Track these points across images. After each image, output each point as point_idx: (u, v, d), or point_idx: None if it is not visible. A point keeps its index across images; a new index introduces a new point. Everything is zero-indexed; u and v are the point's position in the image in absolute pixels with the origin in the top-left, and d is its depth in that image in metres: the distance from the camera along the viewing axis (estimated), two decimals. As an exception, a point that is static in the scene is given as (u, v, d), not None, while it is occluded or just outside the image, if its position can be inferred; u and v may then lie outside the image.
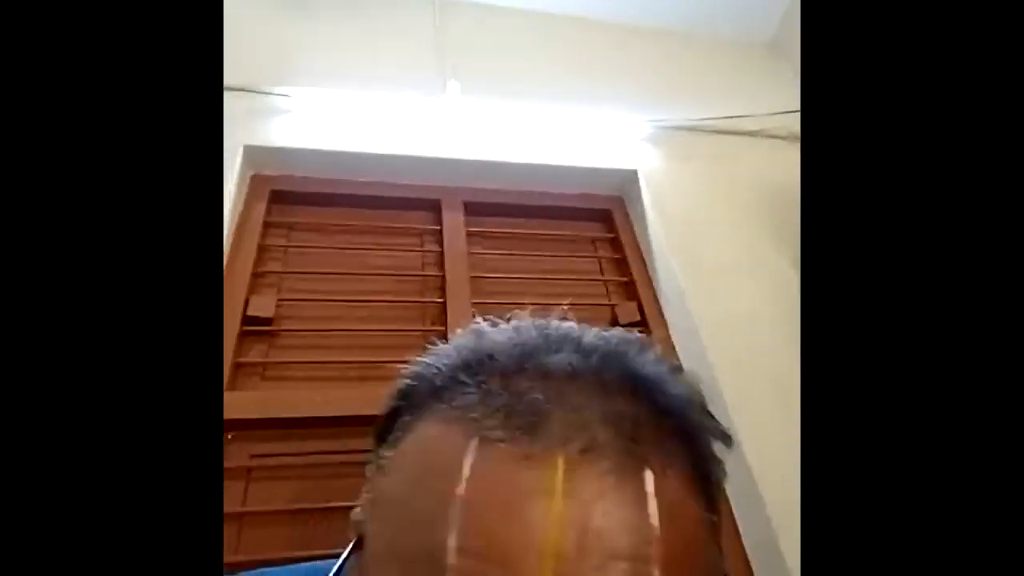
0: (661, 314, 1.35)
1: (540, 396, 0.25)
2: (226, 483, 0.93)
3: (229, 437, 0.98)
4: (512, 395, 0.26)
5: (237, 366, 1.08)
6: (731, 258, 1.37)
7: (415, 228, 1.38)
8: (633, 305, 1.36)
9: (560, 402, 0.25)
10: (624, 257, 1.44)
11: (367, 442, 0.34)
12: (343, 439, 0.99)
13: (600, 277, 1.43)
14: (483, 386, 0.27)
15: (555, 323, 0.31)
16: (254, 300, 1.14)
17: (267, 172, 1.33)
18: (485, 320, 0.30)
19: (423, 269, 1.32)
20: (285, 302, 1.19)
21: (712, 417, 0.31)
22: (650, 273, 1.41)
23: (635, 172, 1.48)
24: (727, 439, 0.31)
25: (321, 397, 1.04)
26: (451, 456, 0.25)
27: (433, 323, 1.22)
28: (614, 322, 1.34)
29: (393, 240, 1.35)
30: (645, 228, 1.43)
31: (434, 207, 1.40)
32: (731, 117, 1.58)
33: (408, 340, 1.18)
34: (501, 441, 0.24)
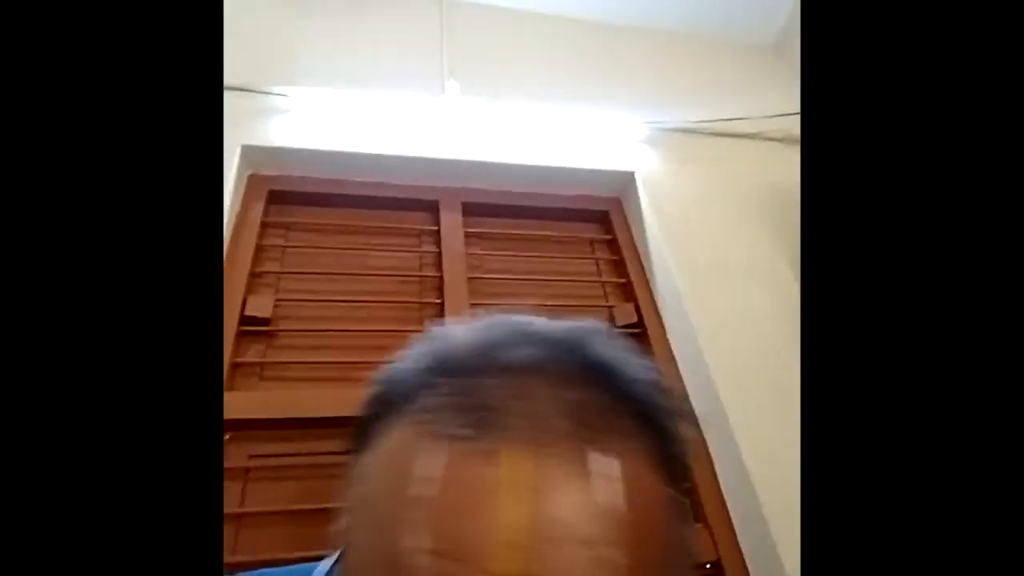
0: (658, 315, 1.35)
1: (496, 391, 0.26)
2: (224, 484, 0.92)
3: (227, 437, 0.98)
4: (469, 393, 0.26)
5: (235, 366, 1.08)
6: (728, 260, 1.38)
7: (413, 228, 1.38)
8: (630, 306, 1.36)
9: (516, 395, 0.26)
10: (621, 259, 1.44)
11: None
12: (341, 439, 0.98)
13: (597, 278, 1.43)
14: (442, 387, 0.27)
15: (517, 318, 0.30)
16: (252, 300, 1.14)
17: (265, 172, 1.33)
18: (450, 321, 0.31)
19: (421, 270, 1.32)
20: (283, 302, 1.18)
21: (675, 399, 0.31)
22: (647, 275, 1.41)
23: (632, 174, 1.49)
24: (691, 419, 0.31)
25: (319, 397, 1.04)
26: (411, 459, 0.25)
27: (431, 323, 1.22)
28: (611, 323, 1.34)
29: (391, 240, 1.35)
30: (643, 230, 1.44)
31: (432, 208, 1.40)
32: (729, 119, 1.59)
33: (406, 341, 1.17)
34: (458, 439, 0.25)
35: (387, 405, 0.29)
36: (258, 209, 1.27)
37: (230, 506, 0.93)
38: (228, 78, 1.27)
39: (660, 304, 1.36)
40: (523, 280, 1.35)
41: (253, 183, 1.31)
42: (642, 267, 1.43)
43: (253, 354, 1.12)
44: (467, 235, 1.36)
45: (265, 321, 1.14)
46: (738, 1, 1.84)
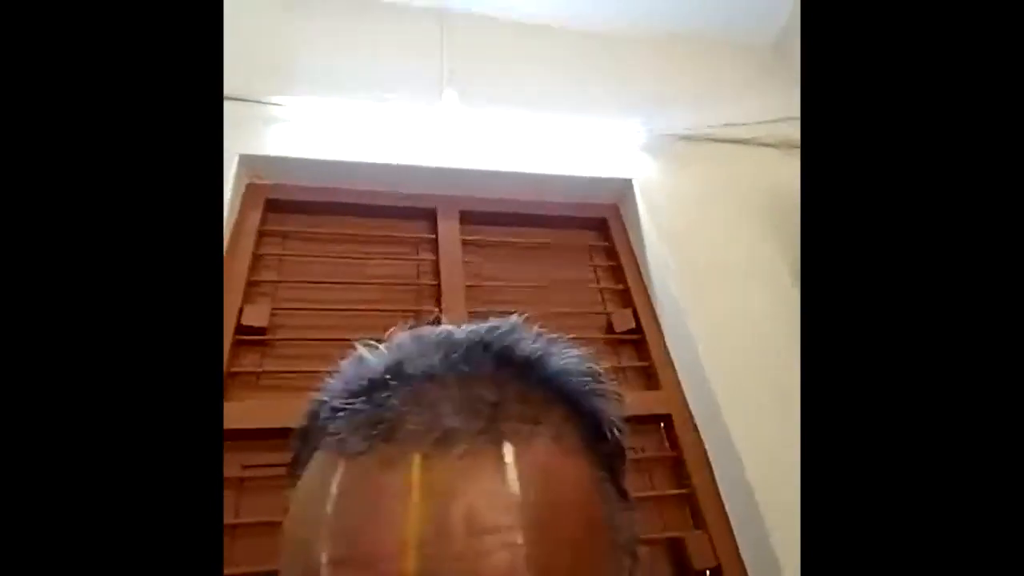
0: (657, 321, 1.35)
1: (396, 402, 0.27)
2: (219, 494, 0.92)
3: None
4: (374, 408, 0.27)
5: (230, 375, 1.08)
6: (727, 265, 1.37)
7: (410, 237, 1.37)
8: (628, 312, 1.36)
9: (416, 403, 0.27)
10: (619, 265, 1.44)
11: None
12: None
13: (596, 285, 1.43)
14: (352, 407, 0.28)
15: (429, 329, 0.32)
16: (248, 309, 1.14)
17: (262, 180, 1.32)
18: (365, 344, 0.32)
19: (418, 278, 1.32)
20: (279, 311, 1.18)
21: (603, 382, 0.31)
22: (645, 281, 1.41)
23: (630, 181, 1.49)
24: (616, 398, 0.32)
25: (315, 407, 1.03)
26: (324, 481, 0.26)
27: (432, 323, 1.22)
28: (609, 330, 1.34)
29: (388, 249, 1.35)
30: (640, 236, 1.44)
31: (429, 216, 1.40)
32: (726, 125, 1.59)
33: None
34: (362, 454, 0.26)
35: (311, 436, 0.30)
36: (255, 218, 1.27)
37: (225, 517, 0.92)
38: (225, 87, 1.27)
39: (659, 310, 1.36)
40: (521, 288, 1.35)
41: (250, 192, 1.31)
42: (640, 273, 1.42)
43: (249, 363, 1.12)
44: (465, 243, 1.36)
45: (261, 330, 1.13)
46: (735, 6, 1.85)
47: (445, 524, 0.23)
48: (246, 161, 1.28)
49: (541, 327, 0.32)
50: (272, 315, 1.16)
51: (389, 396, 0.27)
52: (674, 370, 1.27)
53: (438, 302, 1.25)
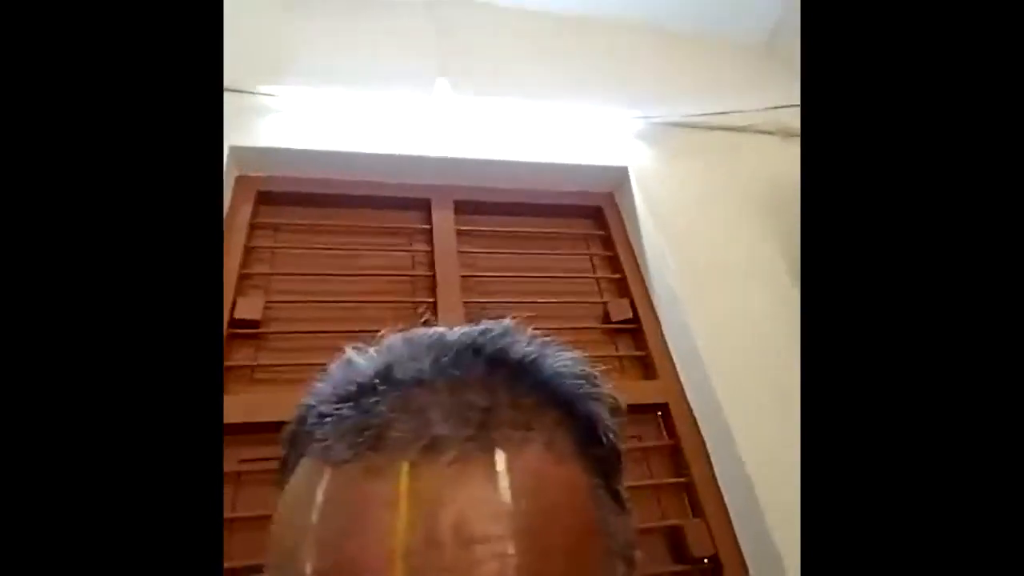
0: (653, 310, 1.35)
1: (384, 408, 0.26)
2: (215, 488, 0.91)
3: (218, 442, 0.97)
4: (360, 414, 0.27)
5: (225, 369, 1.07)
6: (723, 254, 1.37)
7: (405, 227, 1.37)
8: (625, 302, 1.35)
9: (404, 409, 0.26)
10: (616, 254, 1.43)
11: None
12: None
13: (592, 274, 1.42)
14: (339, 413, 0.27)
15: (421, 331, 0.31)
16: (241, 302, 1.13)
17: (253, 173, 1.31)
18: (354, 347, 0.31)
19: (413, 269, 1.31)
20: (273, 304, 1.17)
21: (598, 385, 0.31)
22: (642, 270, 1.41)
23: (626, 169, 1.48)
24: (613, 403, 0.31)
25: (311, 400, 1.03)
26: (310, 488, 0.26)
27: (423, 323, 1.21)
28: (606, 319, 1.33)
29: (382, 240, 1.34)
30: (636, 225, 1.43)
31: (424, 206, 1.39)
32: (722, 113, 1.59)
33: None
34: (348, 462, 0.25)
35: (299, 441, 0.30)
36: (247, 210, 1.26)
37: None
38: (214, 77, 1.26)
39: (655, 299, 1.36)
40: (516, 277, 1.34)
41: (241, 184, 1.29)
42: (636, 262, 1.42)
43: (243, 357, 1.11)
44: (459, 233, 1.35)
45: (255, 323, 1.12)
46: (729, -4, 1.84)
47: (433, 534, 0.23)
48: (236, 153, 1.27)
49: (537, 319, 0.32)
50: (265, 308, 1.15)
51: (377, 402, 0.27)
52: (671, 359, 1.27)
53: (433, 293, 1.24)
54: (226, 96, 1.28)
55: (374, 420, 0.26)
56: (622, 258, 1.42)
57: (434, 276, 1.27)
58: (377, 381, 0.28)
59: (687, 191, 1.47)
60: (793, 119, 1.56)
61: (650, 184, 1.46)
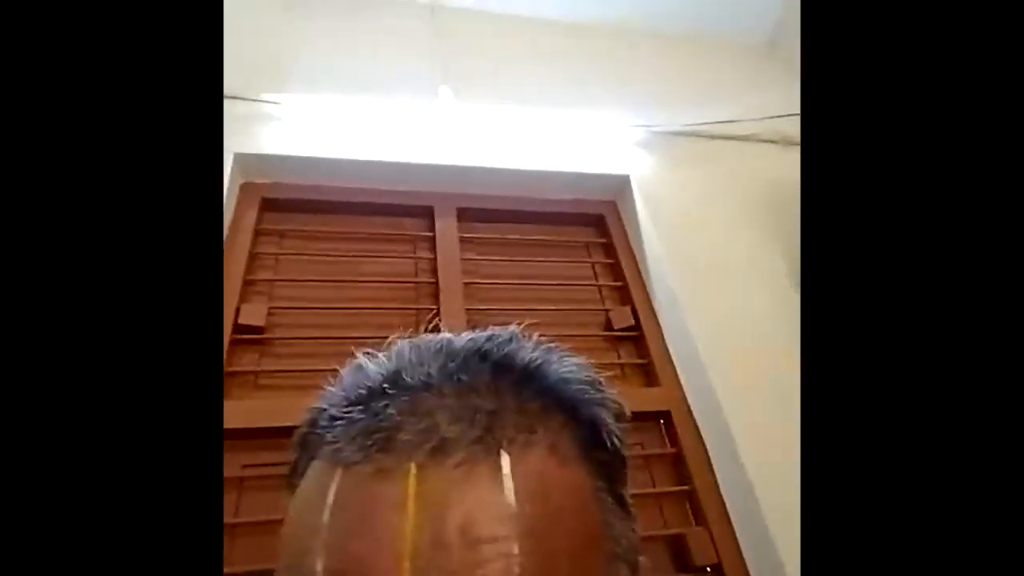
0: (655, 318, 1.35)
1: (393, 411, 0.27)
2: (218, 494, 0.91)
3: (221, 447, 0.97)
4: (370, 417, 0.27)
5: (229, 375, 1.07)
6: (725, 261, 1.37)
7: (408, 235, 1.37)
8: (627, 310, 1.35)
9: (412, 412, 0.27)
10: (618, 262, 1.44)
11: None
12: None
13: (594, 282, 1.42)
14: (349, 416, 0.28)
15: (429, 337, 0.32)
16: (245, 308, 1.13)
17: (258, 180, 1.32)
18: (365, 353, 0.32)
19: (416, 276, 1.31)
20: (277, 310, 1.18)
21: (602, 390, 0.31)
22: (644, 277, 1.41)
23: (627, 177, 1.48)
24: (618, 408, 0.32)
25: (314, 406, 1.03)
26: (321, 490, 0.26)
27: (431, 330, 1.21)
28: (608, 327, 1.33)
29: (385, 247, 1.34)
30: (638, 232, 1.43)
31: (427, 213, 1.39)
32: (724, 122, 1.59)
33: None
34: (358, 464, 0.26)
35: (310, 444, 0.30)
36: (251, 217, 1.27)
37: (225, 516, 0.92)
38: (220, 86, 1.27)
39: (657, 306, 1.36)
40: (519, 285, 1.35)
41: (246, 191, 1.30)
42: (638, 270, 1.42)
43: (247, 363, 1.11)
44: (462, 240, 1.36)
45: (259, 329, 1.13)
46: (731, 1, 1.85)
47: (440, 534, 0.23)
48: (241, 160, 1.28)
49: (540, 326, 0.32)
50: (269, 314, 1.15)
51: (386, 406, 0.27)
52: (673, 367, 1.27)
53: (436, 300, 1.25)
54: (231, 104, 1.30)
55: (383, 423, 0.27)
56: (624, 266, 1.43)
57: (437, 283, 1.27)
58: (386, 385, 0.28)
59: (688, 199, 1.48)
60: (793, 127, 1.56)
61: (652, 192, 1.47)
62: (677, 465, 1.17)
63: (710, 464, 1.15)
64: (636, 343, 1.34)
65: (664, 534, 1.08)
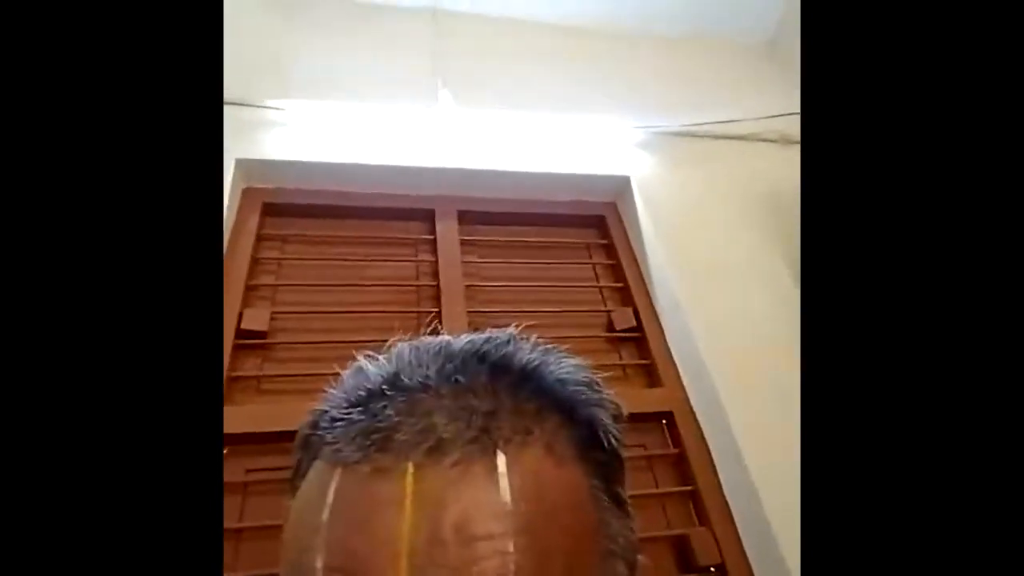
0: (657, 319, 1.35)
1: (392, 412, 0.27)
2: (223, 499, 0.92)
3: (224, 452, 0.97)
4: (369, 418, 0.28)
5: (231, 380, 1.08)
6: (726, 262, 1.37)
7: (409, 238, 1.37)
8: (628, 311, 1.36)
9: (410, 413, 0.27)
10: (619, 263, 1.44)
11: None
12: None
13: (595, 283, 1.43)
14: (349, 417, 0.29)
15: (428, 339, 0.32)
16: (248, 313, 1.14)
17: (259, 185, 1.32)
18: (366, 355, 0.32)
19: (418, 279, 1.32)
20: (279, 315, 1.18)
21: (599, 391, 0.32)
22: (645, 278, 1.41)
23: (628, 178, 1.49)
24: (615, 408, 0.32)
25: (317, 410, 1.03)
26: (321, 489, 0.27)
27: (431, 332, 1.22)
28: (610, 328, 1.34)
29: (387, 251, 1.35)
30: (639, 233, 1.44)
31: (428, 217, 1.40)
32: (723, 122, 1.59)
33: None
34: (357, 463, 0.26)
35: (312, 445, 0.31)
36: (253, 222, 1.27)
37: (229, 521, 0.92)
38: (221, 92, 1.27)
39: (658, 307, 1.36)
40: (520, 287, 1.35)
41: (248, 196, 1.30)
42: (639, 271, 1.42)
43: (250, 367, 1.12)
44: (463, 243, 1.36)
45: (261, 334, 1.13)
46: (730, 2, 1.85)
47: (436, 533, 0.24)
48: (243, 165, 1.28)
49: (541, 328, 0.32)
50: (272, 319, 1.16)
51: (385, 407, 0.28)
52: (675, 367, 1.27)
53: (437, 303, 1.25)
54: (232, 110, 1.30)
55: (382, 424, 0.27)
56: (625, 267, 1.43)
57: (438, 286, 1.27)
58: (385, 387, 0.29)
59: (689, 199, 1.48)
60: (792, 127, 1.57)
61: (652, 193, 1.47)
62: (680, 466, 1.17)
63: (713, 464, 1.15)
64: (638, 344, 1.34)
65: (668, 535, 1.08)
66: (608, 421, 0.31)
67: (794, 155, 1.58)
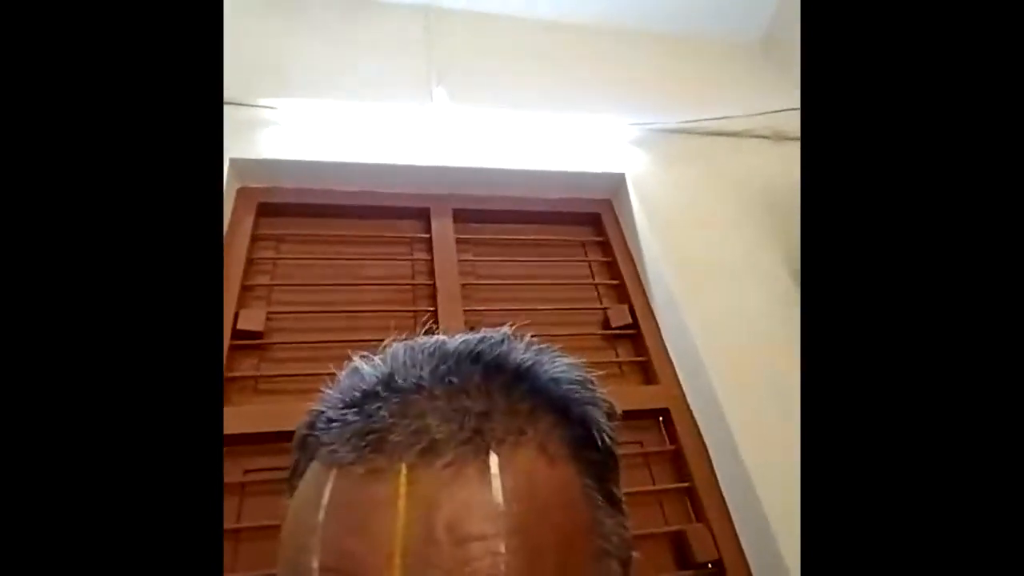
0: (653, 316, 1.35)
1: (386, 413, 0.28)
2: (219, 500, 0.91)
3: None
4: (364, 419, 0.28)
5: (228, 381, 1.07)
6: (721, 258, 1.38)
7: (405, 237, 1.37)
8: (624, 308, 1.36)
9: (403, 414, 0.27)
10: (614, 260, 1.44)
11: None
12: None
13: (591, 281, 1.43)
14: (344, 418, 0.29)
15: (423, 340, 0.32)
16: (244, 314, 1.13)
17: (254, 184, 1.32)
18: (361, 356, 0.32)
19: (414, 278, 1.32)
20: (275, 315, 1.18)
21: (593, 390, 0.32)
22: (640, 276, 1.41)
23: (623, 175, 1.49)
24: (609, 407, 0.32)
25: (314, 409, 1.03)
26: (317, 490, 0.27)
27: (427, 332, 1.22)
28: (606, 325, 1.34)
29: (383, 249, 1.35)
30: (634, 231, 1.44)
31: (423, 215, 1.39)
32: (718, 118, 1.60)
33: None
34: (351, 464, 0.27)
35: (309, 446, 0.31)
36: (248, 222, 1.27)
37: (227, 522, 0.92)
38: (214, 91, 1.27)
39: (654, 304, 1.36)
40: (516, 284, 1.35)
41: (243, 196, 1.30)
42: (635, 268, 1.43)
43: (246, 368, 1.11)
44: (459, 241, 1.36)
45: (258, 334, 1.13)
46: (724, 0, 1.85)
47: (429, 533, 0.24)
48: (237, 165, 1.28)
49: (538, 326, 0.32)
50: (268, 319, 1.16)
51: (379, 407, 0.28)
52: (671, 364, 1.28)
53: (433, 301, 1.25)
54: (226, 109, 1.30)
55: (376, 425, 0.27)
56: (621, 264, 1.43)
57: (434, 285, 1.27)
58: (380, 388, 0.29)
59: (684, 196, 1.48)
60: (787, 123, 1.57)
61: (647, 190, 1.47)
62: (677, 462, 1.18)
63: (710, 461, 1.15)
64: (634, 341, 1.34)
65: (665, 531, 1.08)
66: (602, 420, 0.31)
67: (788, 151, 1.58)
